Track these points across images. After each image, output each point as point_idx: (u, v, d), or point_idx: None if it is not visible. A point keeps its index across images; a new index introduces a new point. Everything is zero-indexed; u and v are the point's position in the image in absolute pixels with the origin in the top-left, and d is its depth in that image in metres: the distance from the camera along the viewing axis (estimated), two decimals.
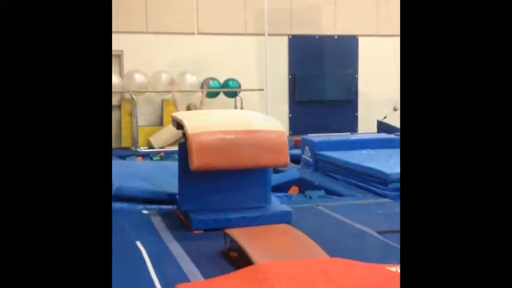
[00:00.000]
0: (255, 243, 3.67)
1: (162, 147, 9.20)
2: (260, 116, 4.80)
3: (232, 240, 3.82)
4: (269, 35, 9.35)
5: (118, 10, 8.15)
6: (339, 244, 4.07)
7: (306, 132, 8.72)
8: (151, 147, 9.27)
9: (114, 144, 9.44)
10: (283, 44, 10.31)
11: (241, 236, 3.81)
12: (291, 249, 3.64)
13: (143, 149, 9.19)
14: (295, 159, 7.89)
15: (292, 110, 10.40)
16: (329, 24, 10.51)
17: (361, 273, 3.22)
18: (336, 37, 10.59)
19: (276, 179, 6.01)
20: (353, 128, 10.51)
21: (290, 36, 10.37)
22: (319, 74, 10.39)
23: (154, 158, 8.56)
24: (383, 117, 9.75)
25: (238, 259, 3.64)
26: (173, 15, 9.61)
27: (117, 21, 8.33)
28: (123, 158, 8.41)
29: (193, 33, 9.82)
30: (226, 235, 3.90)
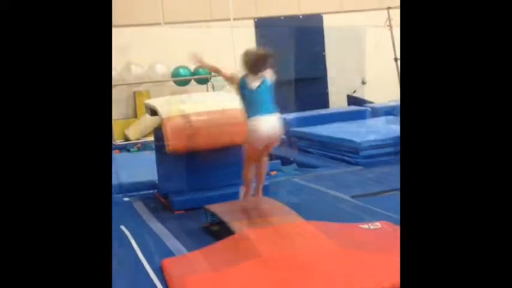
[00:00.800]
0: (234, 215, 3.84)
1: (138, 139, 9.29)
2: (229, 96, 4.95)
3: (213, 215, 3.99)
4: (234, 19, 9.47)
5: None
6: (314, 210, 4.26)
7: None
8: (127, 139, 9.35)
9: None
10: (249, 27, 10.43)
11: (221, 210, 3.98)
12: (269, 217, 3.82)
13: (119, 142, 9.27)
14: None
15: None
16: (293, 4, 10.67)
17: (336, 232, 3.42)
18: (300, 16, 10.74)
19: None
20: (324, 105, 10.71)
21: (256, 19, 10.49)
22: (287, 54, 10.55)
23: (131, 150, 8.65)
24: (352, 91, 9.96)
25: (220, 232, 3.80)
26: (138, 6, 9.66)
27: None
28: None
29: (159, 24, 9.88)
30: (206, 211, 4.07)
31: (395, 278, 2.70)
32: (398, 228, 3.55)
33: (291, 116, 7.61)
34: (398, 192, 4.94)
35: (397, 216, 3.81)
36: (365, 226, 3.57)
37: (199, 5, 10.01)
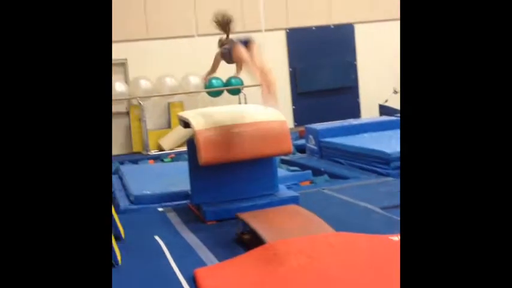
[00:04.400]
0: (265, 224, 3.91)
1: (171, 149, 9.47)
2: (261, 108, 5.03)
3: (245, 224, 4.06)
4: (266, 30, 9.58)
5: (119, 18, 8.43)
6: (345, 221, 4.30)
7: (310, 123, 8.94)
8: (161, 149, 9.54)
9: (125, 150, 9.77)
10: (281, 38, 10.54)
11: (253, 218, 4.06)
12: (300, 227, 3.87)
13: (154, 152, 9.47)
14: (301, 149, 8.13)
15: (295, 102, 10.63)
16: (324, 14, 10.73)
17: (365, 244, 3.45)
18: (332, 26, 10.79)
19: (290, 177, 6.24)
20: (356, 114, 10.71)
21: (287, 30, 10.59)
22: (318, 64, 10.61)
23: (165, 160, 8.82)
24: (384, 101, 9.94)
25: (251, 241, 3.87)
26: (172, 19, 9.87)
27: (119, 29, 8.60)
28: (135, 162, 8.69)
29: (192, 36, 10.07)
30: (238, 219, 4.15)
31: None
32: None
33: (322, 126, 7.65)
34: None
35: None
36: (395, 238, 3.59)
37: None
